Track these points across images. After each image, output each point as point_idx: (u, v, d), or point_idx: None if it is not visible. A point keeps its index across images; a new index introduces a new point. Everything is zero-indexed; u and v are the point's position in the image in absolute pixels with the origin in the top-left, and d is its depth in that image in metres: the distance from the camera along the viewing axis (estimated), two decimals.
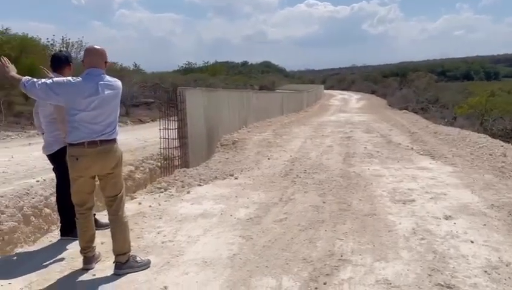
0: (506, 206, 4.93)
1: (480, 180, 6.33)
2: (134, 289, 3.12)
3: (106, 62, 3.44)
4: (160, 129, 8.52)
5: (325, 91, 54.50)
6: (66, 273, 3.40)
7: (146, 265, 3.44)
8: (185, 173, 7.23)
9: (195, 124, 9.59)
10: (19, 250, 4.26)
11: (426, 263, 3.46)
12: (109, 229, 3.52)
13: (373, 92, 52.03)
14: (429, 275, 3.24)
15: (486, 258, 3.53)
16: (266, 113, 18.16)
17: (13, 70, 3.27)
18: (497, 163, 7.54)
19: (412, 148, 9.66)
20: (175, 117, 8.91)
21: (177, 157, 8.76)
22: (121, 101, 3.58)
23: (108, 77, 3.37)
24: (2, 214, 4.77)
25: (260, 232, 4.26)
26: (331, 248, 3.82)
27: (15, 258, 3.82)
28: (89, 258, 3.46)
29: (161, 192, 6.04)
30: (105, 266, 3.48)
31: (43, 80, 3.22)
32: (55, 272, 3.42)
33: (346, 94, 51.36)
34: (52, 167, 4.19)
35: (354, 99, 41.91)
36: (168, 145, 8.63)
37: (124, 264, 3.36)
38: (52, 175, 4.38)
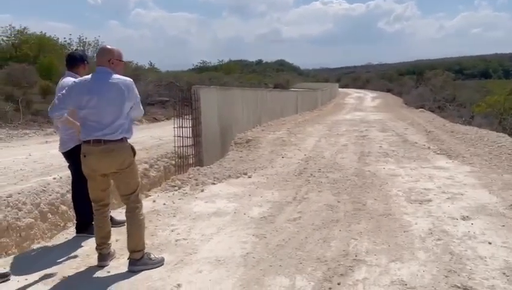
0: None
1: (498, 180, 6.21)
2: (148, 286, 3.13)
3: (110, 60, 3.39)
4: (174, 128, 8.57)
5: (340, 90, 54.20)
6: (81, 269, 3.43)
7: (159, 263, 3.46)
8: (199, 171, 7.25)
9: (209, 123, 9.62)
10: (35, 246, 4.32)
11: (442, 264, 3.40)
12: (124, 227, 3.56)
13: (388, 91, 51.57)
14: (446, 277, 3.18)
15: (504, 260, 3.45)
16: (280, 111, 18.13)
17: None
18: None
19: (428, 148, 9.52)
20: (190, 116, 8.96)
21: (191, 156, 8.80)
22: None
23: (114, 76, 3.35)
24: (20, 210, 4.85)
25: (274, 231, 4.24)
26: (346, 247, 3.78)
27: (32, 254, 3.88)
28: (104, 255, 3.49)
29: (176, 190, 6.06)
30: (119, 263, 3.50)
31: (54, 102, 3.42)
32: (70, 268, 3.46)
33: (361, 93, 50.99)
34: (68, 164, 4.25)
35: (369, 97, 41.57)
36: (182, 144, 8.67)
37: (139, 261, 3.38)
38: (69, 173, 4.44)
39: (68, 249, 3.88)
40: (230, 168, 7.49)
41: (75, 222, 4.43)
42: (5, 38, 23.84)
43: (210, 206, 5.14)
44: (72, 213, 5.15)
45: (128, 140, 3.43)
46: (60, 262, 3.58)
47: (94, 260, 3.56)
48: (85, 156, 3.35)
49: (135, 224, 3.42)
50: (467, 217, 4.56)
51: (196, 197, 5.58)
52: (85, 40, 27.29)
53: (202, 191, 5.92)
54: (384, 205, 5.08)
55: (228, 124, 11.21)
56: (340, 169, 7.24)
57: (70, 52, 5.51)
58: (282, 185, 6.19)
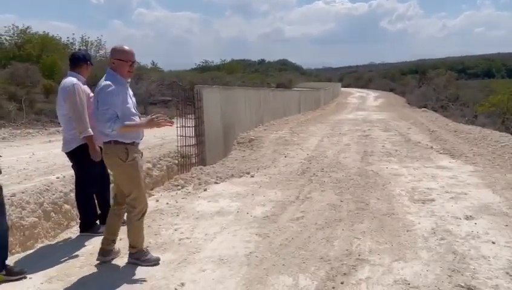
0: None
1: (501, 179, 6.19)
2: (152, 285, 3.14)
3: (111, 60, 3.42)
4: (177, 127, 8.57)
5: (343, 89, 54.13)
6: (85, 268, 3.44)
7: (152, 262, 3.47)
8: (202, 170, 7.26)
9: (211, 122, 9.62)
10: (39, 245, 4.34)
11: (446, 263, 3.40)
12: (125, 226, 3.59)
13: (391, 90, 51.47)
14: (449, 276, 3.18)
15: (508, 260, 3.45)
16: (283, 111, 18.12)
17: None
18: None
19: (431, 147, 9.51)
20: (192, 115, 8.96)
21: (193, 155, 8.80)
22: (138, 100, 3.57)
23: (105, 78, 3.32)
24: (23, 209, 4.85)
25: (277, 230, 4.24)
26: (349, 247, 3.78)
27: (35, 253, 3.89)
28: (105, 251, 3.52)
29: (178, 189, 6.07)
30: (123, 262, 3.51)
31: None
32: (74, 267, 3.47)
33: (364, 92, 50.88)
34: (71, 164, 4.26)
35: (372, 97, 41.50)
36: (185, 143, 8.67)
37: (133, 255, 3.48)
38: (72, 172, 4.44)
39: (71, 248, 3.90)
40: (233, 168, 7.50)
41: (78, 221, 4.44)
42: (8, 38, 23.91)
43: (213, 206, 5.14)
44: (75, 212, 5.17)
45: (122, 143, 3.29)
46: (65, 261, 3.60)
47: None
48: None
49: (129, 225, 3.48)
50: (470, 216, 4.56)
51: (199, 197, 5.59)
52: (87, 39, 27.34)
53: (205, 190, 5.93)
54: (387, 204, 5.08)
55: (231, 123, 11.21)
56: (343, 168, 7.24)
57: (73, 52, 5.50)
58: (285, 184, 6.19)
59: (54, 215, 5.22)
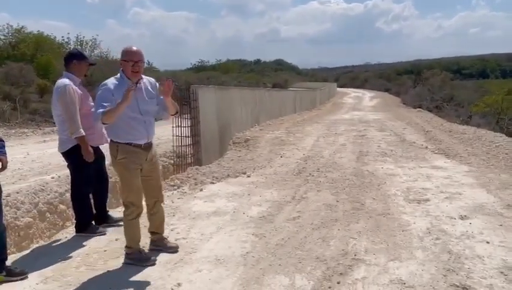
0: None
1: (496, 179, 6.23)
2: (148, 285, 3.13)
3: (120, 62, 3.48)
4: (172, 127, 8.56)
5: (339, 89, 54.24)
6: (81, 269, 3.43)
7: (148, 262, 3.47)
8: (198, 170, 7.26)
9: (207, 122, 9.62)
10: (34, 246, 4.32)
11: (441, 263, 3.42)
12: (122, 226, 3.63)
13: (386, 90, 51.60)
14: (444, 276, 3.20)
15: (502, 259, 3.47)
16: (279, 111, 18.13)
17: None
18: None
19: (426, 147, 9.55)
20: (188, 115, 8.95)
21: (189, 155, 8.80)
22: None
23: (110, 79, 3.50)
24: (18, 209, 4.84)
25: (273, 230, 4.25)
26: (345, 247, 3.80)
27: (31, 253, 3.87)
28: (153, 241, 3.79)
29: (175, 189, 6.07)
30: (119, 262, 3.51)
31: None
32: (70, 268, 3.46)
33: (360, 92, 51.01)
34: (66, 164, 4.24)
35: (367, 97, 41.60)
36: (181, 143, 8.67)
37: (129, 255, 3.51)
38: (67, 172, 4.43)
39: (67, 248, 3.88)
40: (229, 168, 7.50)
41: (74, 221, 4.43)
42: (2, 37, 23.81)
43: (210, 206, 5.14)
44: (70, 212, 5.14)
45: (116, 142, 3.43)
46: (60, 261, 3.58)
47: (93, 260, 3.58)
48: None
49: (124, 223, 3.55)
50: (465, 216, 4.58)
51: (195, 197, 5.59)
52: (82, 39, 27.21)
53: (201, 190, 5.92)
54: (383, 204, 5.10)
55: (227, 123, 11.21)
56: (339, 168, 7.26)
57: (69, 50, 5.48)
58: (281, 184, 6.20)
59: (49, 215, 5.20)
